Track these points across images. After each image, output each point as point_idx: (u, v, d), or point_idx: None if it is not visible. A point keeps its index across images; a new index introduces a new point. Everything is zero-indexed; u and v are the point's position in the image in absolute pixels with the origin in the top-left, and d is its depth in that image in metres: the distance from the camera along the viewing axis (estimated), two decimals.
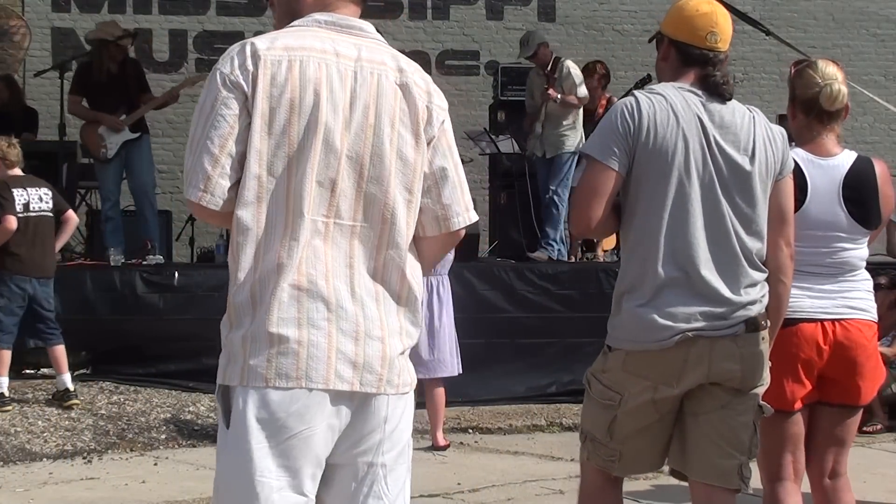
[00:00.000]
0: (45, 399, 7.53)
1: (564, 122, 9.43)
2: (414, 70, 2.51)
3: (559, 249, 9.40)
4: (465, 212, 2.55)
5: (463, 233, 2.60)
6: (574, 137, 9.43)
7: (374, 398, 2.38)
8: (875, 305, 3.82)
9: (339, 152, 2.38)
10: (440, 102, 2.53)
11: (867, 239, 3.79)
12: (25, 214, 7.47)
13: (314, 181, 2.35)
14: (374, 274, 2.41)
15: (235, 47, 2.42)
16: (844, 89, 3.71)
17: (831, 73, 3.72)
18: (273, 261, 2.33)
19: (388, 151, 2.42)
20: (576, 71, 9.46)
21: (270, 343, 2.30)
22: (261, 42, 2.39)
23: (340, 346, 2.33)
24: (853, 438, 3.88)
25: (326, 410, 2.33)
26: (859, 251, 3.76)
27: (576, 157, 9.37)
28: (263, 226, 2.35)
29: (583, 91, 9.42)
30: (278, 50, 2.37)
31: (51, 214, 7.64)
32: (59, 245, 7.88)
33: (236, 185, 2.35)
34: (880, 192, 3.77)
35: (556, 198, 9.37)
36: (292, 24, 2.50)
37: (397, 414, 2.43)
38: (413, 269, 2.48)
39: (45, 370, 7.81)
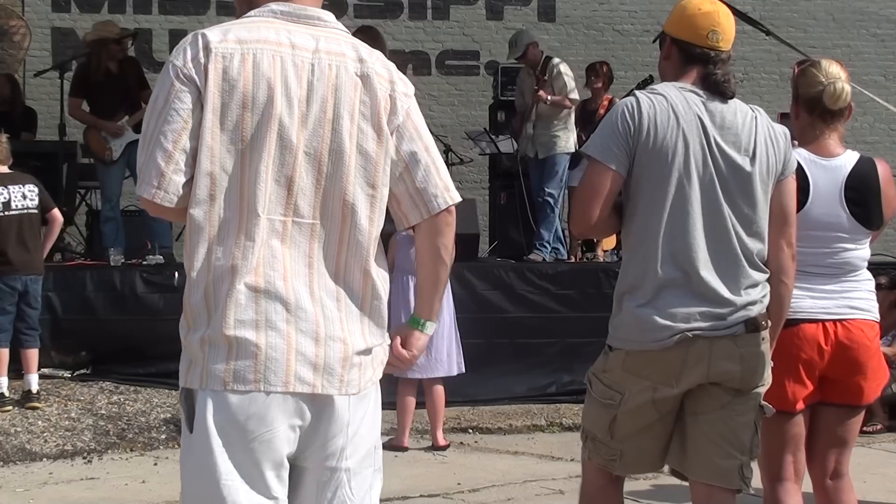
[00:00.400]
0: (45, 399, 7.52)
1: (556, 123, 9.37)
2: (375, 59, 2.43)
3: (554, 249, 9.38)
4: (444, 192, 2.47)
5: (453, 212, 2.50)
6: (566, 138, 9.39)
7: (335, 400, 2.33)
8: (877, 305, 3.82)
9: (296, 149, 2.31)
10: (404, 89, 2.45)
11: (869, 239, 3.79)
12: (7, 213, 7.42)
13: (269, 179, 2.29)
14: (336, 273, 2.35)
15: (188, 38, 2.34)
16: (848, 87, 3.71)
17: (835, 73, 3.72)
18: (227, 261, 2.28)
19: (348, 146, 2.35)
20: (567, 71, 9.39)
21: (228, 346, 2.26)
22: (213, 34, 2.32)
23: (300, 348, 2.29)
24: (855, 438, 3.87)
25: (287, 412, 2.29)
26: (861, 252, 3.76)
27: (569, 158, 9.35)
28: (217, 225, 2.29)
29: (574, 93, 9.38)
30: (231, 43, 2.30)
31: (36, 212, 7.55)
32: (47, 247, 7.77)
33: (192, 180, 2.30)
34: (882, 193, 3.77)
35: (549, 199, 9.33)
36: (248, 14, 2.41)
37: (359, 417, 2.38)
38: (378, 266, 2.41)
39: (44, 370, 7.80)
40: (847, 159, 3.74)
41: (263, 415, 2.26)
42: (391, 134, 2.41)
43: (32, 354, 7.45)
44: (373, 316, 2.41)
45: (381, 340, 2.45)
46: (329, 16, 2.44)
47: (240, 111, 2.28)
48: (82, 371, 8.05)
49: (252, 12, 2.41)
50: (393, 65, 2.48)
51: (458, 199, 2.51)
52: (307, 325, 2.30)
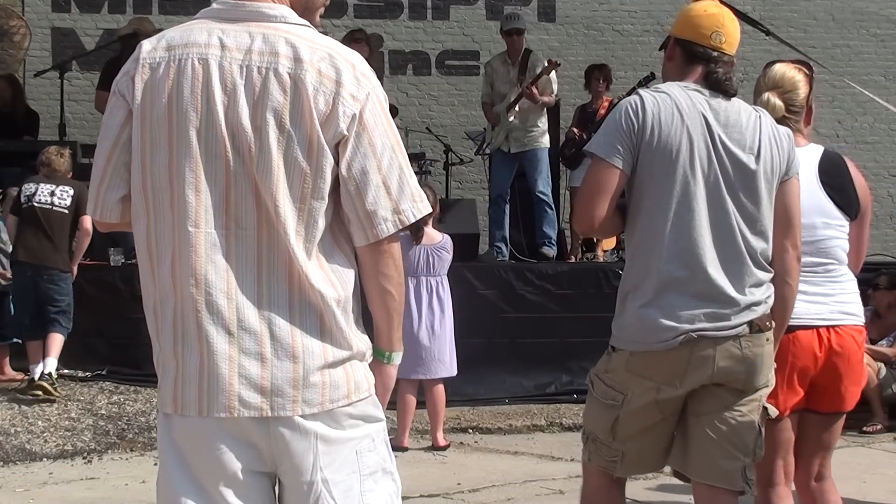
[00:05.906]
0: (45, 399, 7.52)
1: (532, 117, 9.33)
2: (320, 59, 2.18)
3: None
4: (394, 214, 2.23)
5: (395, 238, 2.28)
6: (543, 134, 9.42)
7: (294, 420, 2.20)
8: (862, 307, 3.84)
9: (224, 157, 2.17)
10: (355, 91, 2.18)
11: (848, 230, 3.78)
12: (29, 205, 7.53)
13: (202, 190, 2.17)
14: (290, 285, 2.19)
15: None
16: (779, 103, 3.65)
17: (775, 79, 3.72)
18: (167, 279, 2.19)
19: (275, 156, 2.15)
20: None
21: (171, 369, 2.23)
22: (148, 43, 2.24)
23: (243, 371, 2.17)
24: (837, 441, 3.90)
25: (234, 432, 2.21)
26: (844, 242, 3.74)
27: (548, 153, 9.39)
28: (155, 241, 2.21)
29: (556, 93, 9.45)
30: (160, 51, 2.21)
31: (64, 211, 7.60)
32: (76, 256, 7.78)
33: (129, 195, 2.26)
34: (854, 179, 3.78)
35: (543, 196, 9.36)
36: (195, 14, 2.31)
37: (326, 428, 2.23)
38: (327, 274, 2.21)
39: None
40: (814, 149, 3.76)
41: (208, 435, 2.22)
42: (337, 143, 2.19)
43: (55, 338, 7.44)
44: (338, 322, 2.22)
45: (352, 350, 2.26)
46: (276, 9, 2.24)
47: (166, 122, 2.18)
48: (98, 371, 8.03)
49: (201, 12, 2.31)
50: (352, 63, 2.22)
51: (413, 217, 2.27)
52: (251, 345, 2.17)
